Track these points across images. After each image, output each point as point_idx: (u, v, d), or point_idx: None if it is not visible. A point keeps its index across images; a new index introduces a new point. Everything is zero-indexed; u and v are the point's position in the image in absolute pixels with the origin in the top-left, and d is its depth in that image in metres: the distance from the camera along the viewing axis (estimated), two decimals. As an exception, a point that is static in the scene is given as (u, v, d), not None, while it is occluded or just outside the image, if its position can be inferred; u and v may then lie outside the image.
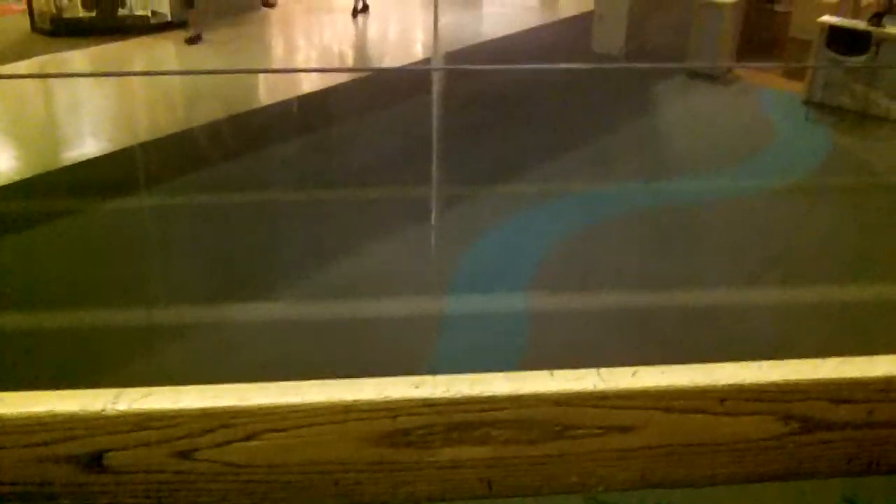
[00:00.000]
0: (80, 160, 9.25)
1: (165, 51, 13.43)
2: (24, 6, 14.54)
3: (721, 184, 8.70)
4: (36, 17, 14.03)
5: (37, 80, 12.06)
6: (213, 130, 10.13)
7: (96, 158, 9.26)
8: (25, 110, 11.19)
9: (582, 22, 14.09)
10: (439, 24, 13.99)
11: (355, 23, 14.80)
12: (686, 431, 0.90)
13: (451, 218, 7.97)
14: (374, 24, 14.97)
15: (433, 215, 8.02)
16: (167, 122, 10.58)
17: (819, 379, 0.89)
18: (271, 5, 15.63)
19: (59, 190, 8.65)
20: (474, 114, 10.41)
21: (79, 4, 13.99)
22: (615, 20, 12.81)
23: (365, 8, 14.93)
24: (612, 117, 10.48)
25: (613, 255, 7.33)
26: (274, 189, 8.61)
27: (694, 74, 11.95)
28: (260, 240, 7.50)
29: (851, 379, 0.90)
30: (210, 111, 10.63)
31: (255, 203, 8.19)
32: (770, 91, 11.61)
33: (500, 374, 0.89)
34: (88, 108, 11.04)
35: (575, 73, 12.18)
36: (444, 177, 8.66)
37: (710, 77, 11.89)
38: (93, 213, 7.96)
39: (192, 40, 13.15)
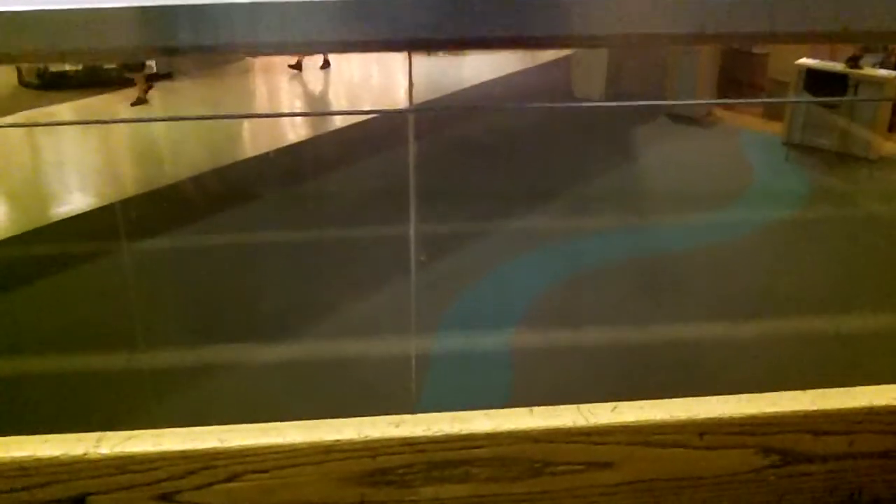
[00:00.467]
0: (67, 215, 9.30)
1: (152, 104, 13.53)
2: None
3: (701, 227, 8.79)
4: (23, 72, 14.13)
5: (27, 135, 12.09)
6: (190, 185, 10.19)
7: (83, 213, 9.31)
8: (11, 164, 11.25)
9: (562, 66, 14.30)
10: (415, 73, 14.14)
11: (321, 75, 14.96)
12: (667, 466, 0.89)
13: (432, 265, 8.02)
14: (339, 77, 15.16)
15: (412, 262, 8.07)
16: (148, 176, 10.64)
17: (798, 411, 0.89)
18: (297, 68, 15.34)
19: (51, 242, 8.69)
20: (452, 159, 10.52)
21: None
22: (594, 64, 13.00)
23: (326, 64, 14.80)
24: (593, 161, 10.60)
25: (596, 304, 7.38)
26: (255, 234, 8.66)
27: (675, 117, 12.11)
28: (247, 284, 7.54)
29: (831, 410, 0.89)
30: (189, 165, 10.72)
31: (239, 248, 8.24)
32: (750, 132, 11.78)
33: (480, 412, 0.89)
34: (77, 161, 11.10)
35: (556, 118, 12.32)
36: (425, 223, 8.75)
37: (691, 119, 12.05)
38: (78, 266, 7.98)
39: (137, 102, 12.93)
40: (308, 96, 14.38)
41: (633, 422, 0.88)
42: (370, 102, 13.90)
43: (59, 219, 9.24)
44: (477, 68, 14.85)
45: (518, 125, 12.12)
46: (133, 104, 12.95)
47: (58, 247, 8.53)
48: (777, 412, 0.88)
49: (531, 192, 9.62)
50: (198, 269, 8.02)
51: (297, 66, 14.78)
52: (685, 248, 8.35)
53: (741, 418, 0.88)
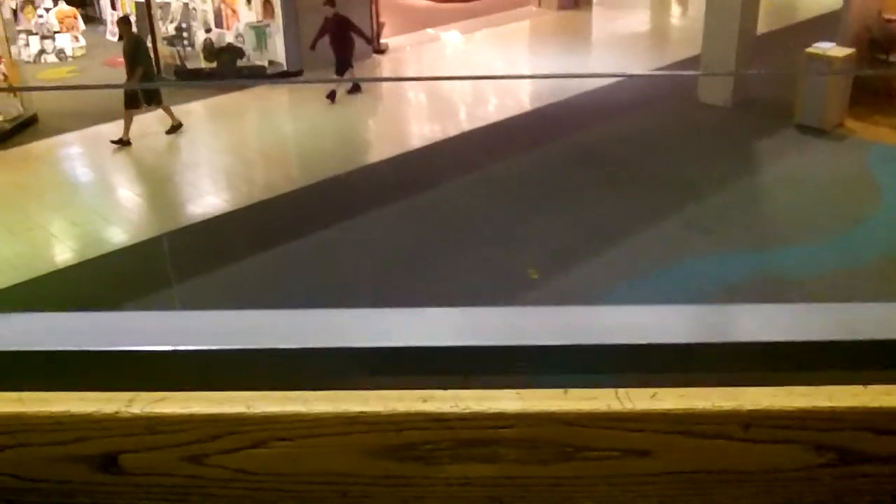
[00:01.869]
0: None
1: (280, 101, 13.98)
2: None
3: (828, 251, 8.55)
4: (162, 69, 14.83)
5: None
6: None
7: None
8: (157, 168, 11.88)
9: (690, 67, 14.06)
10: (538, 75, 14.14)
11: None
12: (709, 458, 0.85)
13: (559, 280, 8.10)
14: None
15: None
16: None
17: (858, 407, 0.83)
18: (382, 52, 16.08)
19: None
20: (574, 169, 10.55)
21: (201, 55, 14.73)
22: (721, 69, 12.76)
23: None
24: (716, 175, 10.43)
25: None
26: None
27: (804, 129, 11.76)
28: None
29: (893, 408, 0.83)
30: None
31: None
32: (883, 147, 11.34)
33: (511, 391, 0.86)
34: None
35: (681, 127, 12.16)
36: (544, 239, 8.84)
37: (820, 131, 11.69)
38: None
39: (172, 130, 12.44)
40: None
41: (672, 409, 0.84)
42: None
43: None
44: (602, 70, 14.77)
45: (640, 132, 12.02)
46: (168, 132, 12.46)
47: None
48: (833, 406, 0.83)
49: (649, 205, 9.55)
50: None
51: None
52: (807, 273, 8.14)
53: (791, 411, 0.83)
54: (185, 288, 7.91)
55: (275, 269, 8.57)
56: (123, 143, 11.92)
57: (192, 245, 9.24)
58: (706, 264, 8.42)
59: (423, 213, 9.69)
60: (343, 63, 13.41)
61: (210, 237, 9.42)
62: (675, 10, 20.69)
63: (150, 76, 12.66)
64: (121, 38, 12.93)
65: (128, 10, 17.72)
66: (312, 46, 13.45)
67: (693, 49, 13.94)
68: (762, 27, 13.85)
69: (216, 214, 9.88)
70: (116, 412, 0.85)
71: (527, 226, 9.03)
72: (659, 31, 18.23)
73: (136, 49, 12.23)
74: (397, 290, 7.88)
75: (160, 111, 12.35)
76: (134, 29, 12.95)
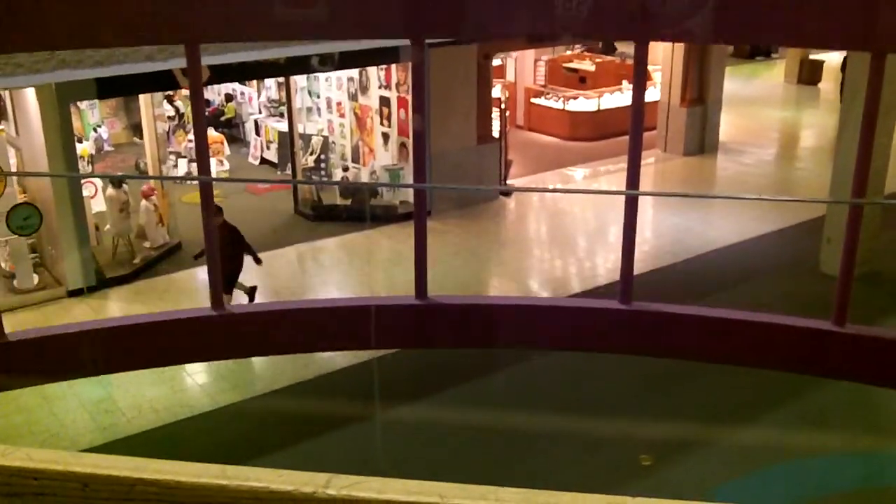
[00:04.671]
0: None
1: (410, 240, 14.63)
2: (269, 187, 16.52)
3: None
4: (300, 202, 15.77)
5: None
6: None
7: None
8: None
9: (811, 229, 14.01)
10: (647, 238, 14.38)
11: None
12: None
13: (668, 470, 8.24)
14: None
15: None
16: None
17: None
18: (507, 194, 16.64)
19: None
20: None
21: (337, 194, 15.61)
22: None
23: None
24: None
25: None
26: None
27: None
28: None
29: None
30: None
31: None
32: None
33: (516, 490, 0.88)
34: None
35: (796, 296, 12.15)
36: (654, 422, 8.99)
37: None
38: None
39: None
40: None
41: None
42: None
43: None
44: (721, 229, 14.94)
45: (759, 302, 12.08)
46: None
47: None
48: None
49: (761, 393, 9.55)
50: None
51: None
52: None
53: None
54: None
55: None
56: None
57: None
58: (819, 464, 8.41)
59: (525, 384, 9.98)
60: (230, 278, 11.27)
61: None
62: (802, 157, 20.72)
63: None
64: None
65: (271, 138, 18.98)
66: (196, 257, 12.40)
67: (818, 208, 13.99)
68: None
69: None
70: (314, 492, 0.87)
71: (638, 406, 9.21)
72: (784, 184, 18.29)
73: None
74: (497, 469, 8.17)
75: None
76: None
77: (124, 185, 13.61)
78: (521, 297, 12.42)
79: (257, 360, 10.87)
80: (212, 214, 2.48)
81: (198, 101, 2.93)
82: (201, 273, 13.17)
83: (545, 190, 17.38)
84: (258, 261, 11.80)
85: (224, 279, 10.37)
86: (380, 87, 15.62)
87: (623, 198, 2.55)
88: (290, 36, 4.87)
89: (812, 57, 28.12)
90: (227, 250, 11.14)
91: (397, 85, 15.31)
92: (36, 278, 12.77)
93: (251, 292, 11.94)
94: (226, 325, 2.60)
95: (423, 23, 2.69)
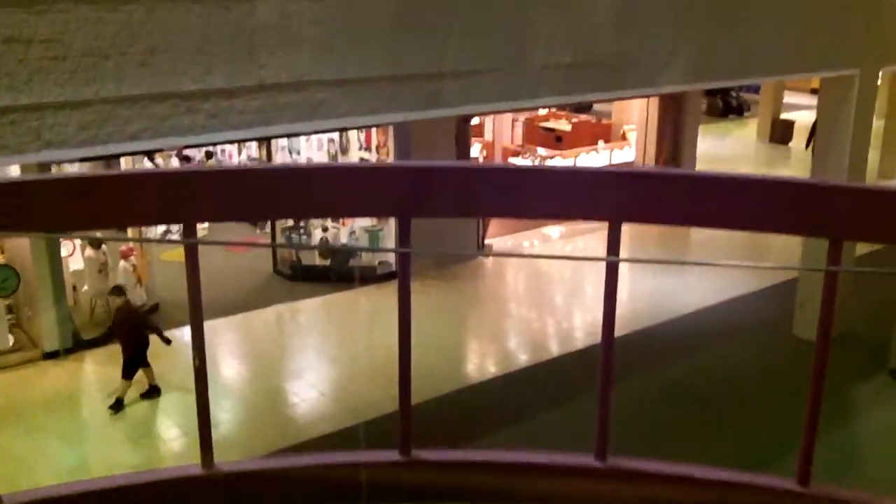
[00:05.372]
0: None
1: (388, 301, 14.71)
2: (243, 249, 16.61)
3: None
4: (278, 261, 15.82)
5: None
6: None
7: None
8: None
9: (784, 292, 14.19)
10: (624, 301, 14.52)
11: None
12: None
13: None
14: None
15: None
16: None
17: None
18: (487, 255, 16.77)
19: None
20: (660, 407, 10.78)
21: (316, 253, 15.69)
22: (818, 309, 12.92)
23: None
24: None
25: None
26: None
27: (898, 376, 11.80)
28: None
29: None
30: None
31: None
32: None
33: None
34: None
35: (772, 363, 12.31)
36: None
37: (915, 379, 11.71)
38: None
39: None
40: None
41: None
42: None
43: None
44: (696, 291, 15.12)
45: (731, 365, 12.22)
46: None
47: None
48: None
49: (737, 451, 9.63)
50: None
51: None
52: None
53: None
54: None
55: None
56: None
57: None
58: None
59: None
60: (132, 363, 11.24)
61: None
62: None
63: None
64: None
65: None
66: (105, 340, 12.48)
67: (791, 271, 14.23)
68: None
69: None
70: None
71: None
72: (758, 245, 18.55)
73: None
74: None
75: None
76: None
77: (103, 246, 13.62)
78: (504, 451, 12.55)
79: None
80: (198, 276, 2.53)
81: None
82: (181, 333, 13.17)
83: (526, 255, 17.51)
84: (166, 341, 11.45)
85: (124, 363, 11.05)
86: (360, 149, 15.79)
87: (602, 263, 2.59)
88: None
89: (783, 117, 28.70)
90: (124, 336, 11.41)
91: (377, 147, 15.49)
92: (11, 339, 12.70)
93: (152, 391, 11.51)
94: (215, 486, 2.64)
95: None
